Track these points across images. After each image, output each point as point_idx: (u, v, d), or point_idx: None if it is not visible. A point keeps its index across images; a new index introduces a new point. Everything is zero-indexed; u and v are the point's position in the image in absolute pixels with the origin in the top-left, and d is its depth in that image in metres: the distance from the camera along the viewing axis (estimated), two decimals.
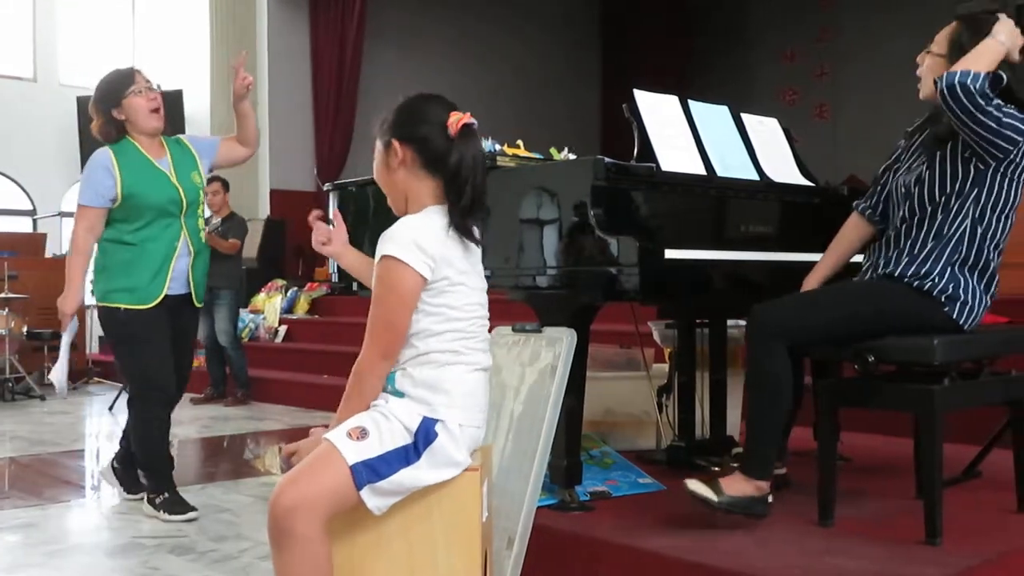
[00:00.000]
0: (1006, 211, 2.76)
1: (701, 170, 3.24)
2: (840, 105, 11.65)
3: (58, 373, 4.04)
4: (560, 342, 2.74)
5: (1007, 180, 2.72)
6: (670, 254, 2.82)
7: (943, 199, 2.74)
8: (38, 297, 8.86)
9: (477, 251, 2.14)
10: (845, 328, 2.71)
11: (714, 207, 3.30)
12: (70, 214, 10.50)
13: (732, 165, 3.35)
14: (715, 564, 2.42)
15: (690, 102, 3.38)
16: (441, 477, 2.02)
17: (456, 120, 2.08)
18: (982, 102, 2.59)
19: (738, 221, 3.33)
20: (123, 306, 3.82)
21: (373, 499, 1.98)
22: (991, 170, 2.70)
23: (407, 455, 1.99)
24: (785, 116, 3.83)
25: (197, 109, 10.56)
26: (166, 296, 3.85)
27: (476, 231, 2.10)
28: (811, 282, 3.01)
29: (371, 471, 1.96)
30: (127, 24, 11.53)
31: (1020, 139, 2.65)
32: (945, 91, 2.61)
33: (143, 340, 3.83)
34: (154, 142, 3.94)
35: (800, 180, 3.54)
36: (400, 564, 2.01)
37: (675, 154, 3.18)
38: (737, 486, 2.70)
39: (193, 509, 3.83)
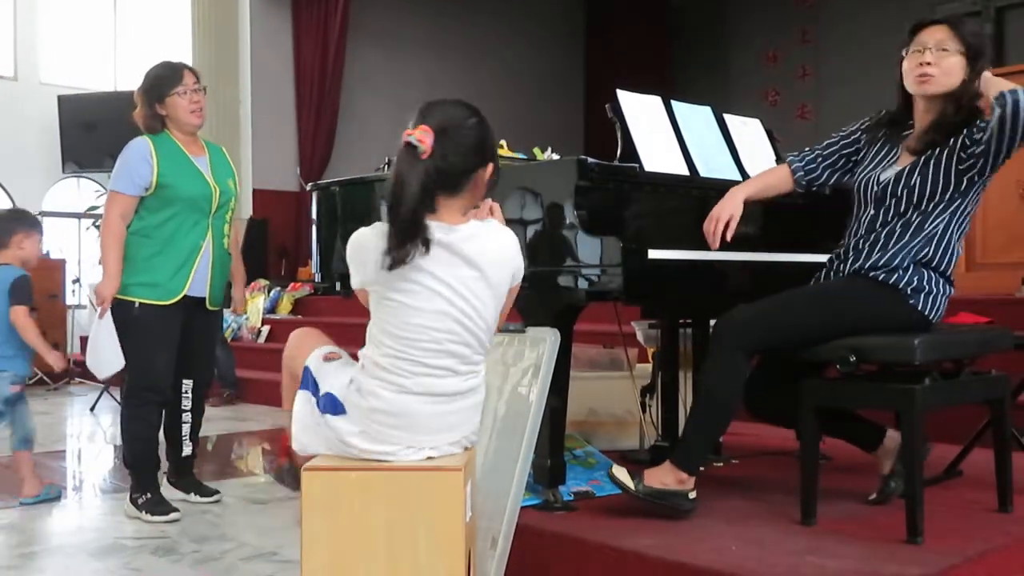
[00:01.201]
0: (970, 214, 2.84)
1: (684, 170, 3.25)
2: (822, 106, 11.70)
3: (103, 361, 3.92)
4: (544, 342, 2.74)
5: (979, 188, 2.81)
6: (653, 254, 2.83)
7: (927, 205, 2.78)
8: None
9: (463, 270, 2.06)
10: (811, 331, 2.74)
11: (697, 207, 3.30)
12: (52, 214, 10.53)
13: (715, 165, 3.36)
14: (697, 563, 2.42)
15: (673, 102, 3.39)
16: (334, 446, 2.13)
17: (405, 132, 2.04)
18: None
19: None
20: (140, 300, 3.78)
21: (298, 410, 2.18)
22: (978, 184, 2.78)
23: (312, 402, 2.18)
24: (768, 117, 3.86)
25: None
26: (185, 296, 3.83)
27: (413, 257, 1.99)
28: (738, 195, 2.97)
29: (311, 381, 2.20)
30: (108, 22, 11.47)
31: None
32: (1020, 107, 2.58)
33: (151, 338, 3.81)
34: (193, 141, 3.96)
35: None
36: (382, 564, 2.00)
37: (658, 154, 3.19)
38: (659, 477, 2.80)
39: (175, 510, 3.81)
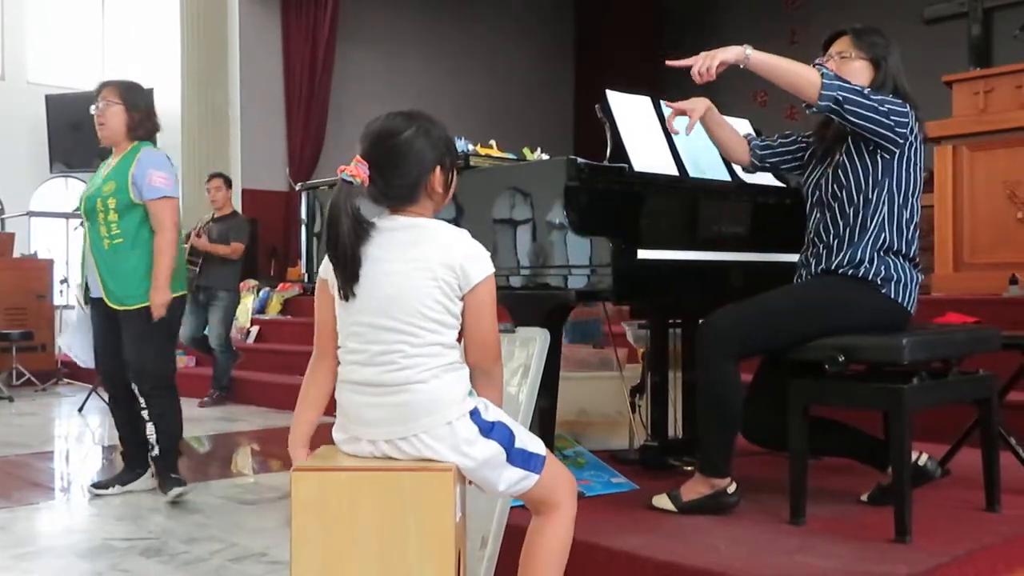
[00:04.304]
0: (913, 197, 2.89)
1: (673, 171, 3.25)
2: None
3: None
4: (533, 342, 2.74)
5: (911, 165, 2.86)
6: (643, 254, 2.84)
7: (861, 195, 2.85)
8: (6, 297, 8.78)
9: (392, 253, 2.03)
10: (792, 332, 2.77)
11: (686, 208, 3.31)
12: (39, 214, 10.50)
13: (704, 166, 3.37)
14: (687, 563, 2.42)
15: (662, 103, 3.39)
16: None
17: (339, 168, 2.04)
18: (872, 101, 2.74)
19: (710, 222, 3.35)
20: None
21: None
22: (895, 158, 2.83)
23: None
24: (756, 117, 3.86)
25: (168, 108, 10.47)
26: (91, 295, 4.19)
27: (352, 286, 2.01)
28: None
29: None
30: (97, 22, 11.44)
31: (907, 120, 2.79)
32: (841, 106, 2.72)
33: (93, 330, 4.27)
34: (121, 149, 4.19)
35: (771, 181, 3.56)
36: (372, 564, 2.00)
37: (647, 155, 3.19)
38: (695, 489, 2.90)
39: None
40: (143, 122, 4.19)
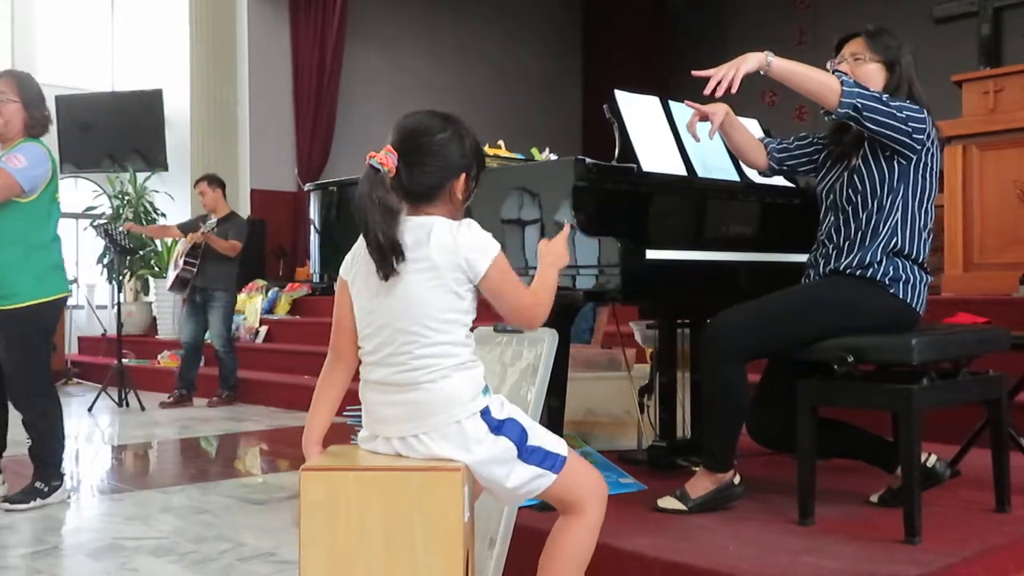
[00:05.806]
0: (928, 203, 2.89)
1: (682, 171, 3.25)
2: (817, 107, 11.67)
3: None
4: (541, 342, 2.74)
5: (927, 171, 2.86)
6: (651, 254, 2.84)
7: (876, 200, 2.85)
8: None
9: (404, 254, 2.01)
10: (800, 333, 2.77)
11: (695, 208, 3.31)
12: None
13: (713, 166, 3.37)
14: (695, 563, 2.42)
15: (671, 103, 3.39)
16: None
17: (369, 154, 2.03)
18: (890, 107, 2.75)
19: (719, 222, 3.35)
20: None
21: None
22: (912, 164, 2.83)
23: None
24: (765, 118, 3.85)
25: (177, 108, 10.50)
26: None
27: (392, 268, 1.99)
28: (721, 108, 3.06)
29: None
30: (106, 23, 11.46)
31: (925, 126, 2.79)
32: (859, 112, 2.74)
33: None
34: (8, 146, 4.05)
35: (780, 181, 3.56)
36: (380, 565, 2.00)
37: (656, 155, 3.19)
38: (701, 485, 2.93)
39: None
40: (42, 121, 4.10)
